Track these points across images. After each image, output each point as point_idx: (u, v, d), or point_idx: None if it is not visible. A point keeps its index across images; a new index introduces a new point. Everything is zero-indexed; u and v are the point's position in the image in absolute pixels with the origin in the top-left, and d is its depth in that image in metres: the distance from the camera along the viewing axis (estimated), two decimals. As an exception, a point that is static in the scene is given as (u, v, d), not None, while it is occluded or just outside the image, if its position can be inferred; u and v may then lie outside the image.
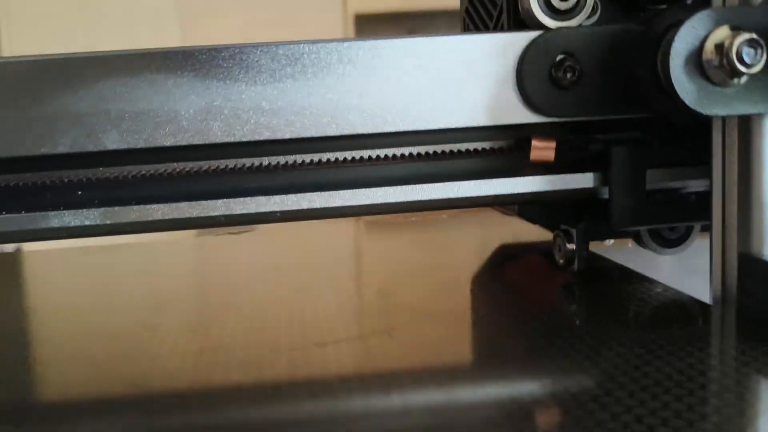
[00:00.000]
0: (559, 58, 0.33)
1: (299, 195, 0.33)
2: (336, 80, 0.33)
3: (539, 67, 0.33)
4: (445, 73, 0.33)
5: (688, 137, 0.34)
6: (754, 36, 0.27)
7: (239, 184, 0.34)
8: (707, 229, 0.33)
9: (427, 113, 0.33)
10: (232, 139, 0.33)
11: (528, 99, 0.33)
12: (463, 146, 0.36)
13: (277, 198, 0.33)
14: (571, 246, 0.37)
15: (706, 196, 0.33)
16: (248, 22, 1.66)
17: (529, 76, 0.33)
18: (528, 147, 0.34)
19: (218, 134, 0.33)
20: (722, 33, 0.27)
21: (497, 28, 0.38)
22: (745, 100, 0.28)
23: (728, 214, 0.32)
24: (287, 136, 0.33)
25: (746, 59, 0.26)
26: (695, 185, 0.36)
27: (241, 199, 0.33)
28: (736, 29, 0.27)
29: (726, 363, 0.27)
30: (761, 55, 0.27)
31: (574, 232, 0.37)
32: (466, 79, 0.33)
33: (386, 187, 0.34)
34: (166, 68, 0.32)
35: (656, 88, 0.30)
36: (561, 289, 0.38)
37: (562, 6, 0.33)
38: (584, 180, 0.35)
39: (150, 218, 0.33)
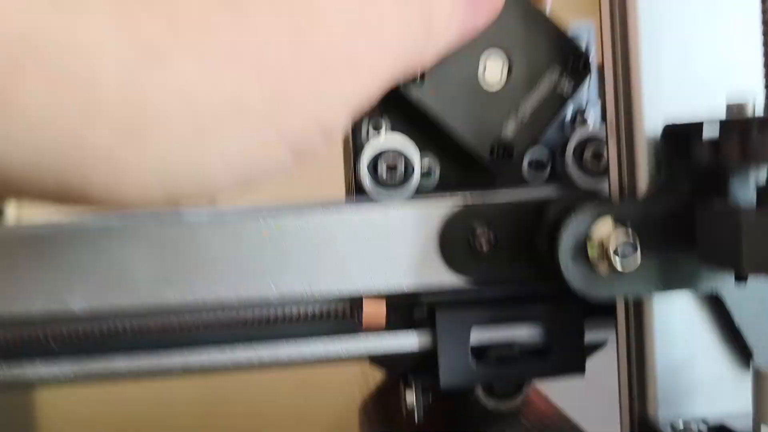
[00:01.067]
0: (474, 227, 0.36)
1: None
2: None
3: (459, 234, 0.36)
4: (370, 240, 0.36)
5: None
6: (630, 240, 0.30)
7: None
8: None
9: (353, 278, 0.36)
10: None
11: (449, 261, 0.36)
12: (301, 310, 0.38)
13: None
14: (411, 398, 0.38)
15: (534, 352, 0.37)
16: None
17: (450, 242, 0.36)
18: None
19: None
20: (605, 227, 0.30)
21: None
22: (625, 285, 0.31)
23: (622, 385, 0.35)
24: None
25: (625, 255, 0.29)
26: (524, 341, 0.38)
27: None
28: (618, 222, 0.30)
29: None
30: (637, 257, 0.30)
31: (413, 383, 0.38)
32: (390, 246, 0.36)
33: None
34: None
35: (554, 267, 0.33)
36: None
37: (392, 179, 0.37)
38: (412, 342, 0.37)
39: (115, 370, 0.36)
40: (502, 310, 0.37)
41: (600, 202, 0.31)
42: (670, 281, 0.31)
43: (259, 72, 0.24)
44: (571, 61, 0.38)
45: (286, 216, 0.36)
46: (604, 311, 0.36)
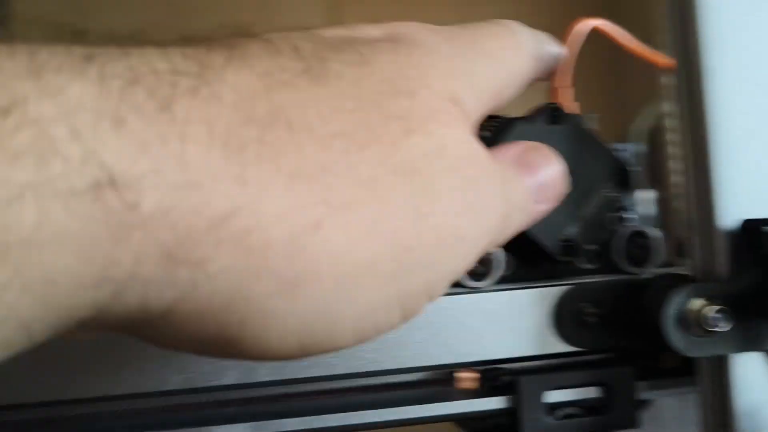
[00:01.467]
0: (583, 304, 0.46)
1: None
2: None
3: (570, 311, 0.46)
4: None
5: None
6: (724, 307, 0.39)
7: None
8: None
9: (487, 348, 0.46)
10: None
11: (563, 334, 0.46)
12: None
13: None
14: None
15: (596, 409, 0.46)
16: None
17: (564, 318, 0.46)
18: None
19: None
20: (698, 302, 0.40)
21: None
22: (715, 347, 0.41)
23: (711, 407, 0.44)
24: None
25: (717, 324, 0.39)
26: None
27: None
28: (708, 299, 0.40)
29: None
30: (729, 321, 0.39)
31: None
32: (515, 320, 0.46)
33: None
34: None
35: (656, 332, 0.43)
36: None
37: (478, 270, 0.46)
38: (498, 402, 0.46)
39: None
40: (571, 378, 0.47)
41: (695, 284, 0.41)
42: (748, 344, 0.41)
43: (392, 243, 0.29)
44: (619, 176, 0.48)
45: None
46: (652, 375, 0.47)
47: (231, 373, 0.43)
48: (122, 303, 0.25)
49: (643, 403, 0.49)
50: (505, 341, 0.46)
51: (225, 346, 0.28)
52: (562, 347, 0.46)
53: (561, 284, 0.46)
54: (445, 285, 0.33)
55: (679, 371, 0.49)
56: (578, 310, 0.46)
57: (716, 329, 0.39)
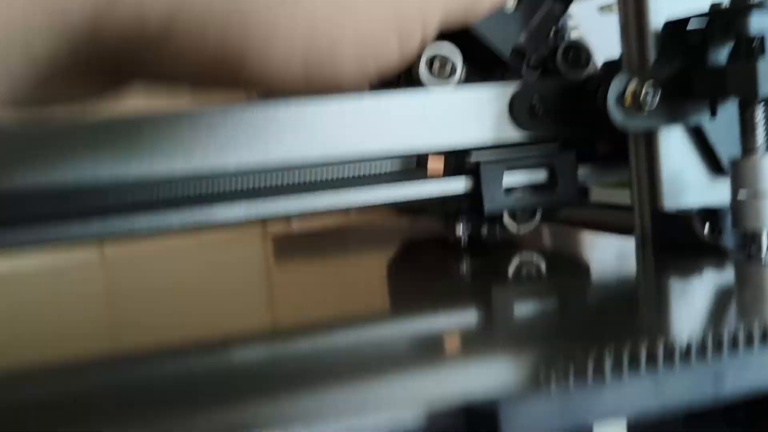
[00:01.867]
0: (534, 98, 0.53)
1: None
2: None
3: (523, 104, 0.53)
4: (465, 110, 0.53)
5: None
6: (653, 84, 0.48)
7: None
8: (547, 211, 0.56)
9: (452, 137, 0.53)
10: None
11: (518, 123, 0.54)
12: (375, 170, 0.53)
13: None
14: (459, 230, 0.57)
15: (543, 188, 0.55)
16: None
17: (518, 110, 0.53)
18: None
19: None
20: (634, 84, 0.48)
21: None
22: (649, 122, 0.49)
23: (641, 187, 0.53)
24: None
25: (648, 100, 0.47)
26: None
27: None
28: (641, 80, 0.48)
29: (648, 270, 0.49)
30: (657, 96, 0.48)
31: (460, 217, 0.57)
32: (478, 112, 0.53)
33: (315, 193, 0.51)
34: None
35: (597, 114, 0.51)
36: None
37: (442, 74, 0.53)
38: (462, 185, 0.54)
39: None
40: (524, 161, 0.55)
41: (632, 70, 0.49)
42: (672, 118, 0.50)
43: None
44: None
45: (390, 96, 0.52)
46: (590, 160, 0.57)
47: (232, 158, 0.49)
48: (118, 9, 0.24)
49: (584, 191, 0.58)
50: (470, 130, 0.53)
51: (228, 67, 0.27)
52: (517, 135, 0.54)
53: (515, 84, 0.54)
54: (437, 13, 0.34)
55: (611, 159, 0.58)
56: (530, 104, 0.54)
57: (648, 104, 0.48)
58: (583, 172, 0.57)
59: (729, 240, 0.48)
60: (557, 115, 0.54)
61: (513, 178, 0.55)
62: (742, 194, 0.46)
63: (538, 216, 0.58)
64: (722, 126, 0.51)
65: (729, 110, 0.50)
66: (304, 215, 0.52)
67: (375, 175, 0.53)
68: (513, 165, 0.55)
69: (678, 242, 0.50)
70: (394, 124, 0.52)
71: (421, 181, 0.54)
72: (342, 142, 0.51)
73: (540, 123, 0.54)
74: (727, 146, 0.51)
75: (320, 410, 0.27)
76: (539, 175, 0.56)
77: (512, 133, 0.54)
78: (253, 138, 0.49)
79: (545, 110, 0.54)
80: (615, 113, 0.49)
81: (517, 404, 0.25)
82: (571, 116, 0.54)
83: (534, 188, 0.56)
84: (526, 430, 0.24)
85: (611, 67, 0.54)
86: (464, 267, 0.56)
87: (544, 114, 0.54)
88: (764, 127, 0.46)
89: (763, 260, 0.46)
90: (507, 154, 0.55)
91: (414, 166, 0.54)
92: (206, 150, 0.48)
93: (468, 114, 0.53)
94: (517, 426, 0.24)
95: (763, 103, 0.46)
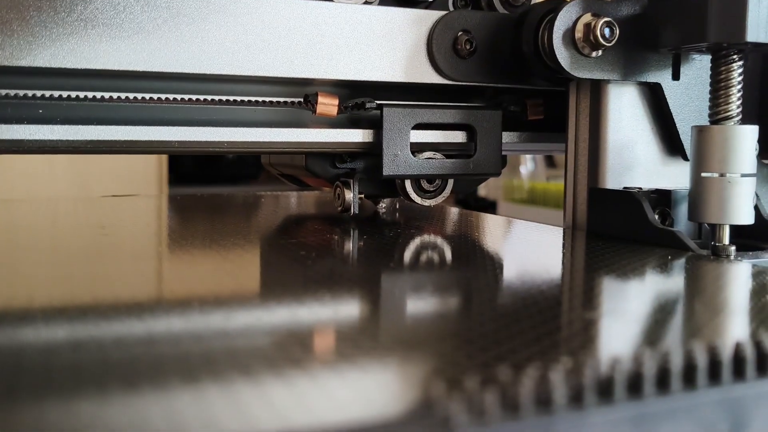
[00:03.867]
0: (459, 33, 0.42)
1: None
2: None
3: (445, 37, 0.42)
4: (370, 35, 0.41)
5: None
6: (611, 20, 0.37)
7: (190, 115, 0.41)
8: (459, 183, 0.45)
9: (351, 67, 0.41)
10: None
11: (437, 63, 0.42)
12: (261, 97, 0.42)
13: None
14: (350, 195, 0.45)
15: (460, 156, 0.44)
16: None
17: (439, 45, 0.42)
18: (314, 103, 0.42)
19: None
20: (587, 17, 0.37)
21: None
22: (600, 69, 0.39)
23: (579, 160, 0.42)
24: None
25: (606, 35, 0.37)
26: (455, 146, 0.45)
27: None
28: (595, 15, 0.38)
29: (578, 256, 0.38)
30: (615, 34, 0.37)
31: (351, 182, 0.45)
32: (387, 42, 0.42)
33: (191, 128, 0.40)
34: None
35: (537, 58, 0.40)
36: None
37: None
38: (362, 135, 0.43)
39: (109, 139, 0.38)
40: (439, 114, 0.44)
41: (585, 3, 0.38)
42: (628, 72, 0.39)
43: None
44: None
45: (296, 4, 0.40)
46: (518, 127, 0.46)
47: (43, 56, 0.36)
48: None
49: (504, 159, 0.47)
50: (376, 62, 0.42)
51: None
52: (435, 78, 0.43)
53: (438, 13, 0.43)
54: None
55: (541, 127, 0.48)
56: (454, 38, 0.42)
57: (606, 40, 0.37)
58: (507, 138, 0.46)
59: (682, 230, 0.38)
60: (485, 60, 0.43)
61: (423, 135, 0.44)
62: (706, 175, 0.36)
63: (449, 187, 0.47)
64: (683, 94, 0.41)
65: (692, 78, 0.41)
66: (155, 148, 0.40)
67: (251, 108, 0.41)
68: (424, 118, 0.43)
69: (618, 230, 0.40)
70: (277, 39, 0.40)
71: (308, 126, 0.42)
72: (212, 55, 0.38)
73: (464, 67, 0.43)
74: (686, 120, 0.41)
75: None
76: (455, 136, 0.45)
77: (428, 74, 0.43)
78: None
79: (472, 49, 0.43)
80: (561, 52, 0.38)
81: None
82: (502, 65, 0.43)
83: (448, 151, 0.45)
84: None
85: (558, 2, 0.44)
86: (349, 246, 0.44)
87: (469, 53, 0.43)
88: (740, 90, 0.36)
89: (731, 257, 0.36)
90: (418, 106, 0.43)
91: (300, 103, 0.42)
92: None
93: (374, 40, 0.42)
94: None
95: (740, 60, 0.36)
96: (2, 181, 1.73)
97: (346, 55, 0.41)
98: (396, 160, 0.43)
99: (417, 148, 0.44)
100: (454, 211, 0.56)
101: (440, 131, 0.44)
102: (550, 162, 2.13)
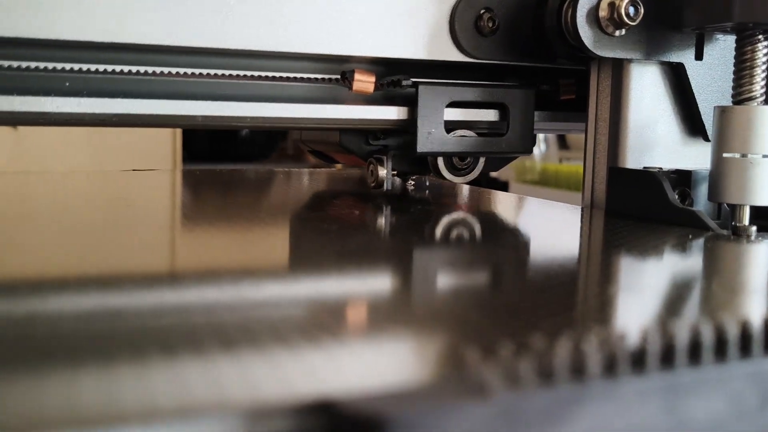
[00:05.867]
0: (482, 11, 0.42)
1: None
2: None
3: (467, 16, 0.42)
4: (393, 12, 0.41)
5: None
6: (632, 3, 0.37)
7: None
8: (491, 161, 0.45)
9: (378, 44, 0.41)
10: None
11: (456, 41, 0.42)
12: (297, 74, 0.42)
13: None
14: (383, 171, 0.46)
15: (493, 135, 0.44)
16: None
17: (459, 24, 0.42)
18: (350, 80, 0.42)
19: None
20: (612, -3, 0.37)
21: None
22: (623, 48, 0.39)
23: (599, 139, 0.42)
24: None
25: (630, 14, 0.37)
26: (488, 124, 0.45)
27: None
28: (621, -6, 0.38)
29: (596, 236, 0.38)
30: (639, 13, 0.37)
31: (384, 159, 0.46)
32: (409, 19, 0.42)
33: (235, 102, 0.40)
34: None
35: (559, 37, 0.40)
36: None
37: None
38: (396, 112, 0.43)
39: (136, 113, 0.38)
40: (473, 93, 0.44)
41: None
42: (651, 51, 0.39)
43: None
44: None
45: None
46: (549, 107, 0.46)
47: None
48: None
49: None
50: (400, 39, 0.42)
51: None
52: (457, 56, 0.43)
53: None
54: None
55: (571, 106, 0.48)
56: (476, 16, 0.42)
57: (630, 18, 0.37)
58: (542, 116, 0.46)
59: (702, 210, 0.38)
60: (509, 39, 0.43)
61: (456, 114, 0.44)
62: (728, 155, 0.36)
63: (480, 165, 0.47)
64: (706, 74, 0.41)
65: (715, 58, 0.40)
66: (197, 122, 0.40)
67: (285, 86, 0.41)
68: (457, 95, 0.43)
69: (638, 210, 0.40)
70: (315, 16, 0.40)
71: (344, 103, 0.42)
72: (258, 32, 0.39)
73: (487, 45, 0.43)
74: (708, 100, 0.41)
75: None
76: (488, 114, 0.45)
77: (450, 52, 0.43)
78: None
79: (494, 27, 0.43)
80: (584, 31, 0.38)
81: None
82: (526, 42, 0.43)
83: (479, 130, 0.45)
84: None
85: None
86: (382, 220, 0.44)
87: (492, 31, 0.43)
88: (764, 70, 0.36)
89: (751, 237, 0.36)
90: (451, 84, 0.43)
91: (338, 80, 0.42)
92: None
93: (397, 17, 0.42)
94: None
95: (766, 40, 0.36)
96: (22, 155, 1.75)
97: (377, 33, 0.41)
98: (430, 138, 0.43)
99: (450, 126, 0.44)
100: (481, 191, 0.56)
101: (473, 109, 0.44)
102: (563, 144, 2.13)
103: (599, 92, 0.42)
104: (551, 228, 0.41)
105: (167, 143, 1.85)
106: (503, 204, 0.52)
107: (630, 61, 0.40)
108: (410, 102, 0.43)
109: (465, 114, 0.44)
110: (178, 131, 1.89)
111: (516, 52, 0.43)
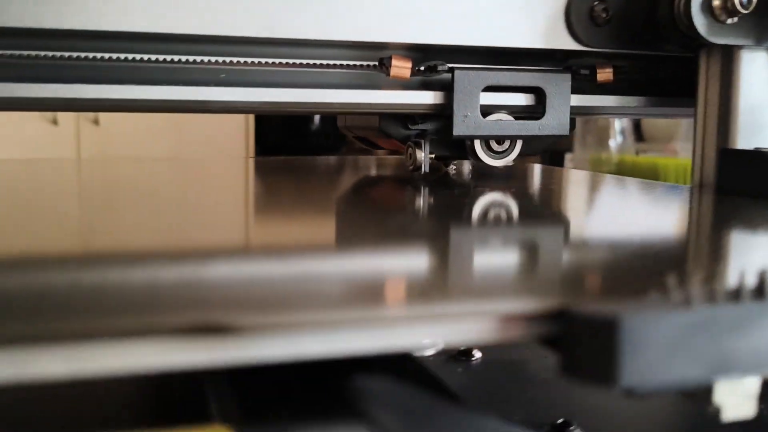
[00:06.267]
0: (595, 2, 0.45)
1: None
2: None
3: (583, 7, 0.45)
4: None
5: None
6: (748, -9, 0.40)
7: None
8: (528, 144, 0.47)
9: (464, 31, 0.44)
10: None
11: (572, 31, 0.45)
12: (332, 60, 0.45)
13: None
14: (421, 154, 0.48)
15: (527, 117, 0.46)
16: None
17: (575, 14, 0.45)
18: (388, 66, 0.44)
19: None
20: (726, -13, 0.40)
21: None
22: (736, 35, 0.41)
23: (708, 122, 0.45)
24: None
25: (744, 2, 0.39)
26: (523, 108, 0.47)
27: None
28: (734, -16, 0.40)
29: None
30: (752, 1, 0.40)
31: (422, 142, 0.48)
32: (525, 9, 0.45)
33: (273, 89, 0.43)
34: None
35: (672, 25, 0.43)
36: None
37: None
38: (433, 97, 0.45)
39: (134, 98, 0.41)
40: (509, 77, 0.46)
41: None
42: (763, 37, 0.42)
43: None
44: None
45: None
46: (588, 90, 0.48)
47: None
48: None
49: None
50: (516, 28, 0.45)
51: None
52: (572, 44, 0.45)
53: (574, -17, 0.45)
54: None
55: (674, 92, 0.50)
56: (590, 8, 0.45)
57: (744, 7, 0.39)
58: (638, 101, 0.49)
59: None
60: (623, 28, 0.46)
61: (492, 98, 0.46)
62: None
63: (517, 148, 0.50)
64: (818, 55, 0.43)
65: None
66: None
67: (325, 72, 0.44)
68: (493, 80, 0.46)
69: (749, 190, 0.42)
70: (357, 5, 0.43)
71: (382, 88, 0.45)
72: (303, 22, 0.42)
73: (601, 33, 0.45)
74: (819, 81, 0.43)
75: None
76: (524, 98, 0.47)
77: (566, 41, 0.46)
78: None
79: (607, 17, 0.45)
80: (698, 19, 0.41)
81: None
82: (638, 31, 0.46)
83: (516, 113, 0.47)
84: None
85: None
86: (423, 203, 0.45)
87: (605, 21, 0.45)
88: None
89: None
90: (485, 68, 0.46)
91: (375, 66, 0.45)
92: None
93: (516, 7, 0.45)
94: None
95: None
96: (109, 142, 1.85)
97: (418, 20, 0.44)
98: (466, 121, 0.45)
99: (487, 110, 0.46)
100: (588, 174, 0.58)
101: (509, 93, 0.47)
102: (639, 136, 2.12)
103: (708, 77, 0.44)
104: (674, 207, 0.44)
105: (241, 137, 1.92)
106: (611, 186, 0.55)
107: (740, 47, 0.42)
108: (447, 87, 0.46)
109: (501, 98, 0.46)
110: (251, 125, 1.95)
111: (627, 40, 0.46)
